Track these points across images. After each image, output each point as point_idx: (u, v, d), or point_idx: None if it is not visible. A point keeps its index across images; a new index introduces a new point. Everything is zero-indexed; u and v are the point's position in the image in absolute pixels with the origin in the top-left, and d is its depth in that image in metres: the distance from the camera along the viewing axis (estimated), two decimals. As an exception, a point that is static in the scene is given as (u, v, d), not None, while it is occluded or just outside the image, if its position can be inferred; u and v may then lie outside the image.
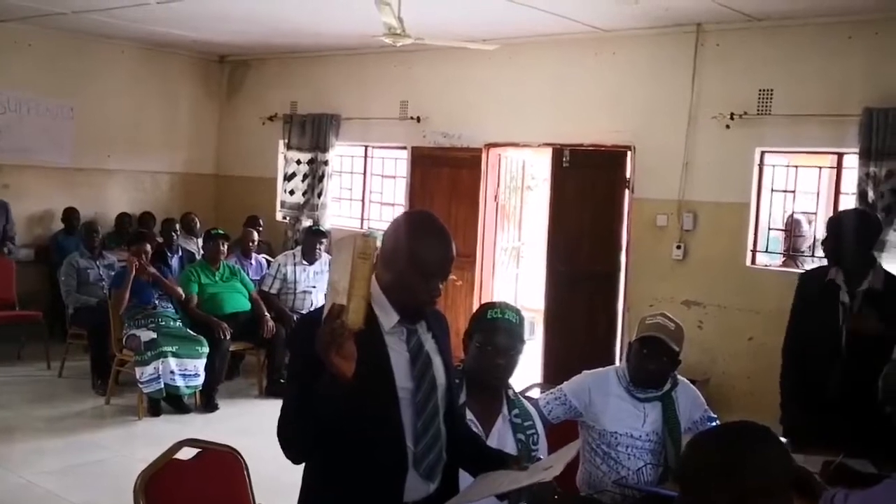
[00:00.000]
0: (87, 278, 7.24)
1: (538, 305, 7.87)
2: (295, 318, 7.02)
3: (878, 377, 3.43)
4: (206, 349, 6.32)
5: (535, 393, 3.53)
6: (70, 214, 8.54)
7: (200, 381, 6.31)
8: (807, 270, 4.17)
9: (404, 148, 8.71)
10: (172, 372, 6.12)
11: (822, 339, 3.75)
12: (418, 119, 8.45)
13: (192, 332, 6.46)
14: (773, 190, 6.76)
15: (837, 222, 3.91)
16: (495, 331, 2.70)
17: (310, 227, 8.41)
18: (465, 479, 2.34)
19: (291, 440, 2.05)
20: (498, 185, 8.21)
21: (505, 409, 2.78)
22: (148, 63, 9.58)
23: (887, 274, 3.87)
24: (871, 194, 5.95)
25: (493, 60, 7.57)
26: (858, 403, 3.53)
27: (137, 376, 6.07)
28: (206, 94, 10.29)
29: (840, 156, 6.47)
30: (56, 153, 8.85)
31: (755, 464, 1.63)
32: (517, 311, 2.79)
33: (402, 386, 2.12)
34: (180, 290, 6.72)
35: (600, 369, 3.30)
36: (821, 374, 3.75)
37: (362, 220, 9.34)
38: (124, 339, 6.39)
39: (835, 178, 6.63)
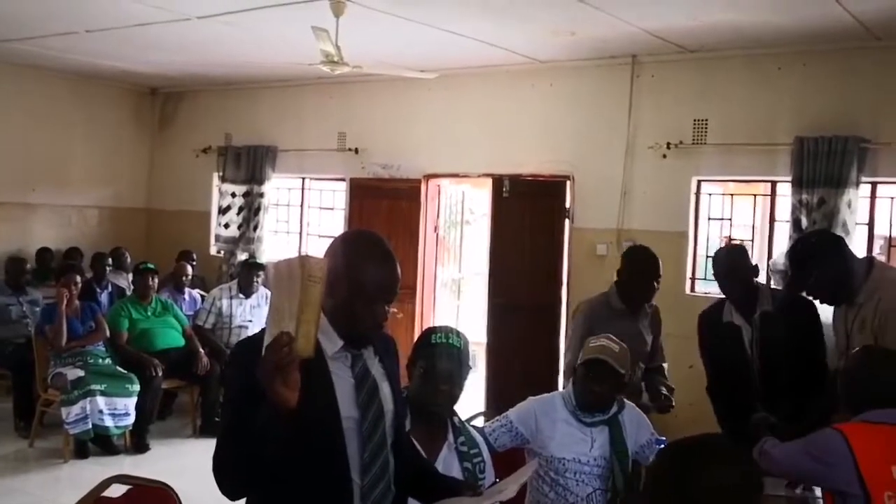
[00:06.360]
0: (9, 316, 6.94)
1: (480, 338, 7.80)
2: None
3: (793, 385, 3.67)
4: (136, 387, 6.10)
5: (479, 422, 3.46)
6: (-9, 251, 8.19)
7: (130, 420, 6.07)
8: (703, 311, 4.24)
9: (342, 180, 8.62)
10: (101, 411, 5.88)
11: (736, 371, 3.91)
12: (356, 150, 8.37)
13: (121, 370, 6.21)
14: (709, 218, 6.86)
15: (724, 261, 3.96)
16: (439, 356, 2.62)
17: (247, 259, 8.23)
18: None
19: (227, 473, 1.91)
20: (438, 217, 8.16)
21: (451, 437, 2.70)
22: (77, 94, 9.32)
23: (773, 292, 4.00)
24: (804, 221, 6.06)
25: (432, 91, 7.58)
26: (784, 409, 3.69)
27: (64, 416, 5.81)
28: (138, 127, 10.04)
29: (773, 184, 6.61)
30: (-25, 186, 8.52)
31: (700, 478, 1.60)
32: (461, 336, 2.72)
33: (346, 415, 2.00)
34: (105, 333, 6.45)
35: (546, 395, 3.25)
36: (743, 402, 3.89)
37: (300, 254, 9.14)
38: (50, 378, 6.11)
39: (769, 206, 6.76)
